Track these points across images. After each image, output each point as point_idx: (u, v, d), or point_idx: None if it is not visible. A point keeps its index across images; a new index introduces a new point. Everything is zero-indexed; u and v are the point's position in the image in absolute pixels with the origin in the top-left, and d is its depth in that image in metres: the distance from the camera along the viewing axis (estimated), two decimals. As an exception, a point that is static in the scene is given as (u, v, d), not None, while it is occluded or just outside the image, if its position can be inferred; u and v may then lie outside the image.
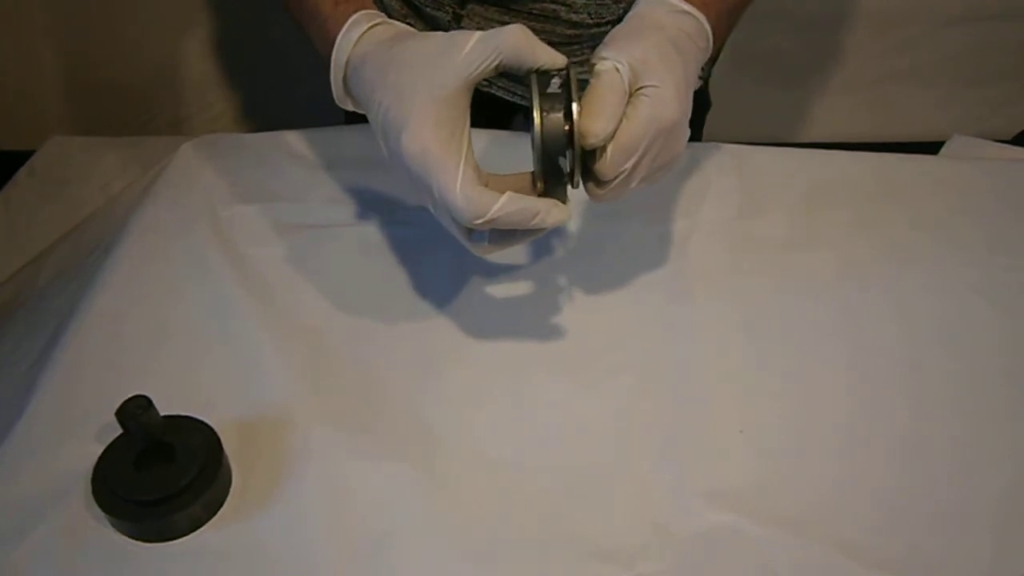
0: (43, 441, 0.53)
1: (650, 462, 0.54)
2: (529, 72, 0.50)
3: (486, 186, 0.49)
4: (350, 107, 0.57)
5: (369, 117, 0.54)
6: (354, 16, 0.55)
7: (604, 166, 0.50)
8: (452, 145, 0.49)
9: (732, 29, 0.61)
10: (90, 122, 1.46)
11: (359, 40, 0.54)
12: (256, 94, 1.48)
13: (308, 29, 0.59)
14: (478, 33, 0.50)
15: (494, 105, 0.83)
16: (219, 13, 1.37)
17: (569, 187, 0.51)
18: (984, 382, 0.59)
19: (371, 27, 0.54)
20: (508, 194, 0.48)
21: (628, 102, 0.50)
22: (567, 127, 0.49)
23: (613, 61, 0.50)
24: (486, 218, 0.48)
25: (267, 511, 0.50)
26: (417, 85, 0.49)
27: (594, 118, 0.49)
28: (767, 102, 1.50)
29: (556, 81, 0.50)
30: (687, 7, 0.55)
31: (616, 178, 0.51)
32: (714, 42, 0.56)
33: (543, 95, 0.49)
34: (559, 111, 0.49)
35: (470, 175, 0.48)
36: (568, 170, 0.50)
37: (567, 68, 0.51)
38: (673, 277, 0.66)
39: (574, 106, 0.49)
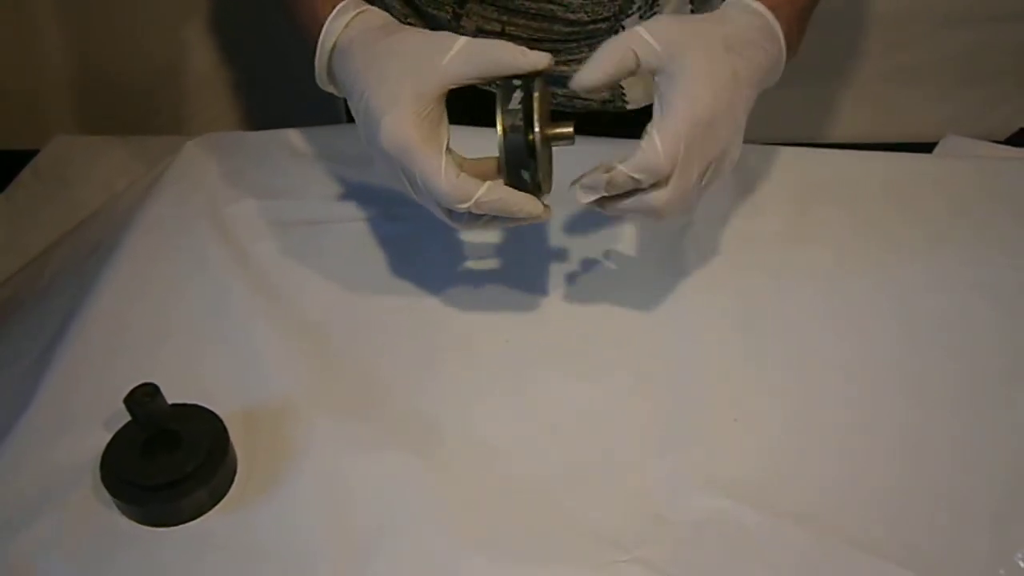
0: (51, 430, 0.54)
1: (648, 452, 0.54)
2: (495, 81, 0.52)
3: (460, 167, 0.52)
4: (332, 91, 0.59)
5: (350, 101, 0.56)
6: (343, 2, 0.56)
7: (658, 156, 0.50)
8: (433, 137, 0.51)
9: (803, 33, 0.61)
10: (93, 121, 1.46)
11: (347, 26, 0.56)
12: (257, 93, 1.48)
13: (297, 11, 0.61)
14: (462, 41, 0.51)
15: (491, 101, 0.84)
16: (221, 13, 1.38)
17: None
18: (982, 378, 0.59)
19: (359, 14, 0.56)
20: (488, 184, 0.51)
21: (662, 93, 0.51)
22: (529, 138, 0.50)
23: (643, 31, 0.51)
24: (470, 203, 0.51)
25: (271, 499, 0.51)
26: (400, 78, 0.51)
27: (583, 70, 0.51)
28: (763, 102, 1.50)
29: (518, 95, 0.51)
30: (757, 6, 0.55)
31: (673, 174, 0.50)
32: (787, 45, 0.57)
33: (505, 112, 0.51)
34: (520, 123, 0.50)
35: (451, 163, 0.51)
36: (530, 181, 0.52)
37: (533, 77, 0.51)
38: (669, 273, 0.66)
39: (535, 118, 0.50)
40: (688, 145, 0.50)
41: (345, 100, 0.81)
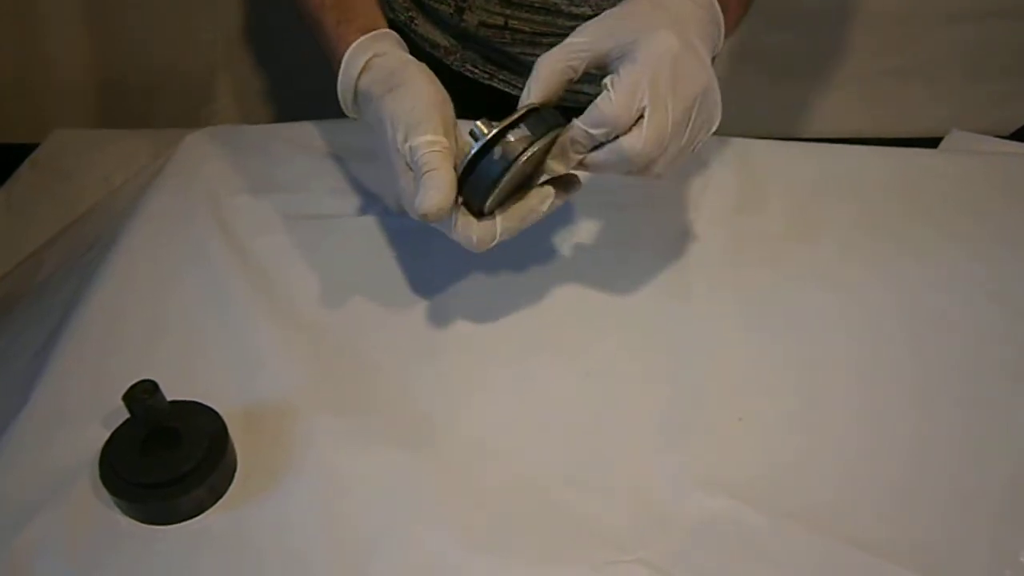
0: (49, 427, 0.54)
1: (650, 451, 0.54)
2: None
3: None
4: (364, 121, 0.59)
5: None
6: (351, 49, 0.56)
7: (611, 106, 0.50)
8: None
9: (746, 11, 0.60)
10: (94, 115, 1.46)
11: (360, 75, 0.56)
12: (259, 88, 1.48)
13: (315, 33, 0.62)
14: (433, 131, 0.51)
15: (493, 96, 0.84)
16: (223, 7, 1.38)
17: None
18: (988, 375, 0.59)
19: (369, 60, 0.56)
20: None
21: (615, 58, 0.51)
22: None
23: (571, 38, 0.52)
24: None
25: (271, 497, 0.51)
26: (395, 157, 0.52)
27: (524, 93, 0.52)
28: (767, 97, 1.50)
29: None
30: None
31: (646, 116, 0.50)
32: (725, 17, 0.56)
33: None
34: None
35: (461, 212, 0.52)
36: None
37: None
38: (673, 268, 0.66)
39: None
40: (653, 85, 0.49)
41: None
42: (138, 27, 1.37)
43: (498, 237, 0.52)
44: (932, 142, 0.85)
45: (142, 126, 1.08)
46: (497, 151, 0.49)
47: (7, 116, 1.44)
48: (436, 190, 0.49)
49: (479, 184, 0.50)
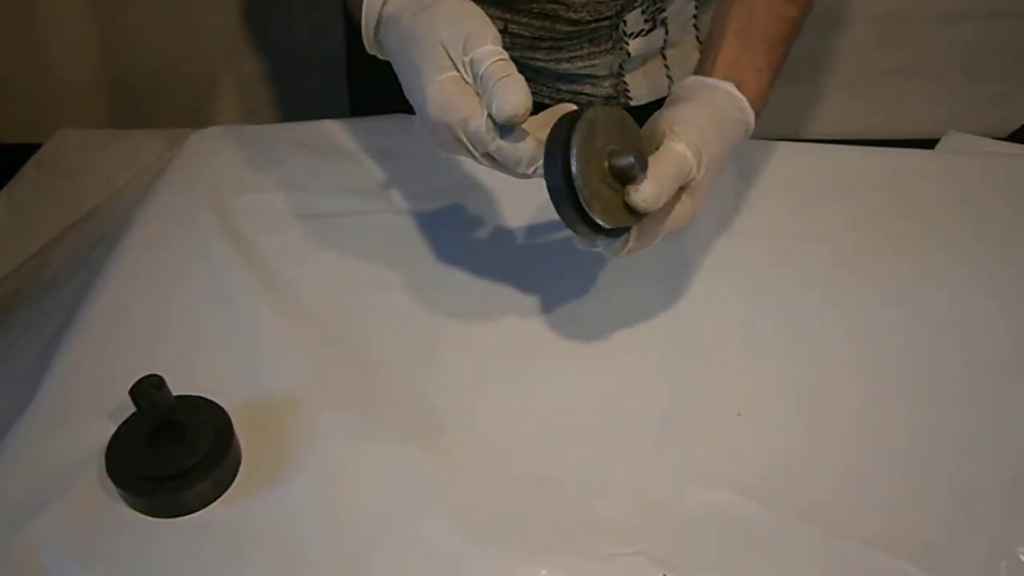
0: (56, 422, 0.54)
1: (651, 445, 0.55)
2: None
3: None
4: (383, 57, 0.59)
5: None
6: None
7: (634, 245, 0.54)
8: (472, 99, 0.51)
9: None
10: (97, 115, 1.46)
11: (385, 2, 0.55)
12: (262, 87, 1.48)
13: None
14: (493, 41, 0.51)
15: None
16: (226, 6, 1.38)
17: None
18: (985, 373, 0.59)
19: None
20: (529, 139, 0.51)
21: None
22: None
23: (697, 149, 0.52)
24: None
25: (275, 491, 0.51)
26: (426, 66, 0.51)
27: (649, 190, 0.51)
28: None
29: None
30: (750, 115, 0.58)
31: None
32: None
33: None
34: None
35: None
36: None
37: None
38: (672, 267, 0.66)
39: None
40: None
41: (350, 94, 0.81)
42: (140, 26, 1.37)
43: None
44: (930, 143, 0.85)
45: (145, 125, 1.08)
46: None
47: (10, 116, 1.44)
48: (517, 92, 0.49)
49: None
